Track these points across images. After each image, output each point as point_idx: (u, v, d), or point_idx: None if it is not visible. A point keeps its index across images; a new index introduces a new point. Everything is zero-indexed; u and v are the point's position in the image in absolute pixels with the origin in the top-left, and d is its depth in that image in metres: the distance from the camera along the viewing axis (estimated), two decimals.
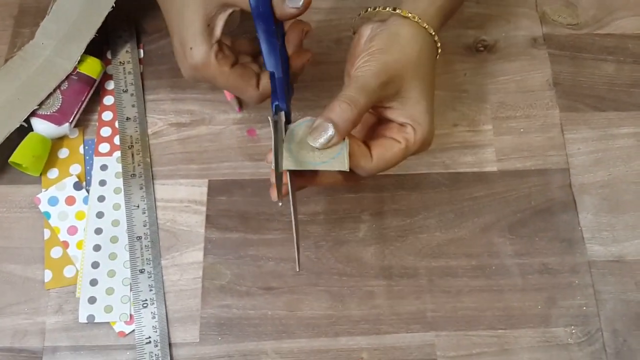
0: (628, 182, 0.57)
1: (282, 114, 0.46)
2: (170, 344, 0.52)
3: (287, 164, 0.43)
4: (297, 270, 0.45)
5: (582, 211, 0.56)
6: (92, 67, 0.58)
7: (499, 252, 0.55)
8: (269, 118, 0.45)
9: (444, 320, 0.53)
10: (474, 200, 0.56)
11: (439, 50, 0.49)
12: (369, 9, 0.50)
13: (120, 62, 0.60)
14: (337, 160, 0.43)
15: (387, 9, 0.48)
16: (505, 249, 0.55)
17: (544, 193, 0.57)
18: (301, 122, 0.45)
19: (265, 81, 0.50)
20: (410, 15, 0.47)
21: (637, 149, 0.58)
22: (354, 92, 0.43)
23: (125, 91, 0.59)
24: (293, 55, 0.49)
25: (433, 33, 0.47)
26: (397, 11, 0.47)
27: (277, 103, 0.48)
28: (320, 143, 0.43)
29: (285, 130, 0.45)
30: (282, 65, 0.48)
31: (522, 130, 0.59)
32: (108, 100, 0.59)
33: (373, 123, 0.49)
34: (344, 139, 0.43)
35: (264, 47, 0.47)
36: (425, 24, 0.47)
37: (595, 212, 0.56)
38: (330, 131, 0.42)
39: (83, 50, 0.58)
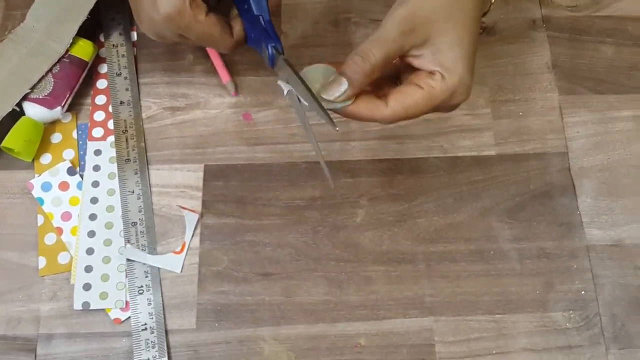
0: (627, 165, 0.57)
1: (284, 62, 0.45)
2: (166, 331, 0.51)
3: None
4: (332, 187, 0.49)
5: (581, 195, 0.56)
6: (84, 50, 0.57)
7: (497, 237, 0.55)
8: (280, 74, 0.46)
9: (442, 305, 0.52)
10: (472, 185, 0.56)
11: None
12: None
13: (113, 45, 0.59)
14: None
15: None
16: (504, 233, 0.55)
17: (543, 177, 0.56)
18: (315, 68, 0.45)
19: (238, 28, 0.49)
20: None
21: (637, 132, 0.58)
22: (369, 44, 0.42)
23: (119, 74, 0.58)
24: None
25: None
26: None
27: (273, 44, 0.47)
28: (334, 97, 0.43)
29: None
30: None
31: (520, 113, 0.58)
32: (101, 83, 0.58)
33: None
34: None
35: None
36: None
37: (594, 196, 0.56)
38: (344, 86, 0.42)
39: (75, 33, 0.56)
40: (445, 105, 0.44)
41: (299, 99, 0.44)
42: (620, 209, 0.56)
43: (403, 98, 0.43)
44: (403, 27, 0.42)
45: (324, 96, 0.43)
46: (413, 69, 0.45)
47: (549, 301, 0.53)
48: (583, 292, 0.53)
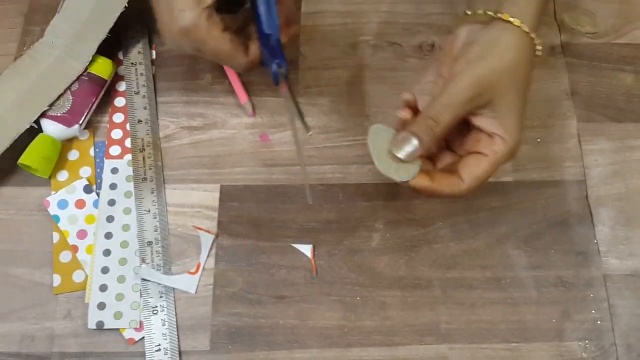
0: None
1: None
2: (180, 352, 0.51)
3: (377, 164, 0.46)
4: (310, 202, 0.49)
5: (598, 224, 0.56)
6: (103, 68, 0.57)
7: (514, 264, 0.55)
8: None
9: (458, 332, 0.52)
10: (489, 211, 0.56)
11: (538, 50, 0.48)
12: (468, 12, 0.49)
13: (132, 63, 0.59)
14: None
15: (489, 12, 0.47)
16: (520, 261, 0.55)
17: (560, 205, 0.56)
18: (382, 127, 0.47)
19: (254, 48, 0.50)
20: (512, 19, 0.46)
21: None
22: (441, 107, 0.44)
23: (137, 93, 0.58)
24: (282, 26, 0.48)
25: (533, 36, 0.47)
26: (499, 15, 0.46)
27: (278, 61, 0.47)
28: (405, 153, 0.45)
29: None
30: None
31: (539, 140, 0.59)
32: (119, 102, 0.59)
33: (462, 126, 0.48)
34: (422, 156, 0.45)
35: (262, 9, 0.47)
36: (527, 28, 0.46)
37: (612, 225, 0.56)
38: (415, 143, 0.44)
39: (94, 51, 0.57)
40: (504, 164, 0.47)
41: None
42: (638, 238, 0.55)
43: (474, 170, 0.46)
44: (473, 93, 0.44)
45: (395, 152, 0.45)
46: (462, 128, 0.47)
47: (565, 330, 0.53)
48: (599, 322, 0.53)
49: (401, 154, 0.45)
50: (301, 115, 0.49)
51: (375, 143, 0.46)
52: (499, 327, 0.53)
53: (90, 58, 0.57)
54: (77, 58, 0.57)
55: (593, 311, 0.53)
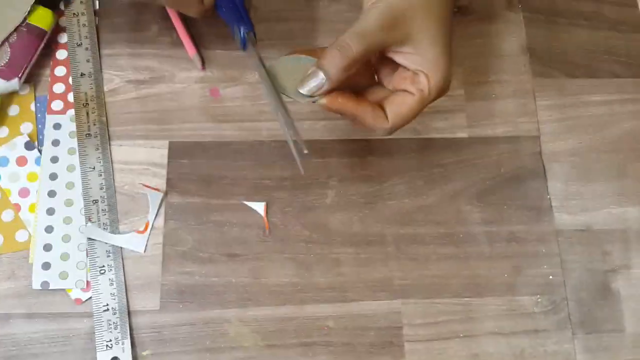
0: (598, 150, 0.58)
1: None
2: (129, 312, 0.51)
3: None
4: (302, 173, 0.47)
5: (551, 179, 0.57)
6: (43, 18, 0.55)
7: (467, 220, 0.55)
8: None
9: (411, 287, 0.53)
10: (443, 167, 0.56)
11: None
12: None
13: (74, 14, 0.57)
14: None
15: None
16: (474, 216, 0.55)
17: (514, 160, 0.57)
18: (294, 58, 0.45)
19: None
20: None
21: (609, 117, 0.59)
22: (348, 38, 0.43)
23: (80, 45, 0.56)
24: None
25: None
26: None
27: (247, 30, 0.47)
28: (311, 91, 0.43)
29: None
30: None
31: (494, 95, 0.59)
32: (61, 54, 0.57)
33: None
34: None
35: None
36: None
37: (565, 180, 0.57)
38: (321, 76, 0.43)
39: (33, 0, 0.55)
40: (433, 101, 0.45)
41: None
42: (590, 194, 0.57)
43: (398, 108, 0.44)
44: (383, 22, 0.43)
45: (300, 90, 0.43)
46: (392, 64, 0.46)
47: (517, 285, 0.54)
48: (551, 277, 0.54)
49: (305, 89, 0.43)
50: (277, 96, 0.46)
51: (281, 75, 0.45)
52: (451, 282, 0.53)
53: (29, 8, 0.55)
54: (15, 7, 0.55)
55: (545, 266, 0.54)
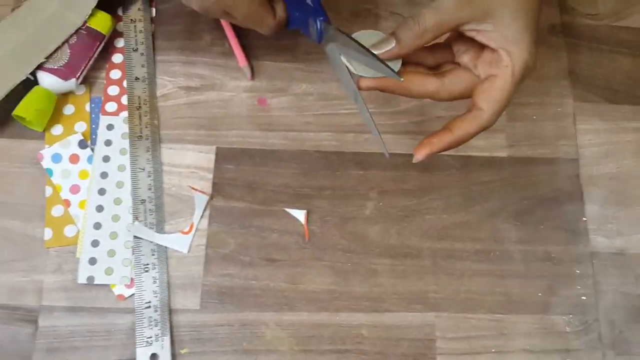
0: (636, 176, 0.59)
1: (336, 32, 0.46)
2: (170, 310, 0.53)
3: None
4: (387, 156, 0.48)
5: (588, 202, 0.58)
6: (102, 23, 0.58)
7: (504, 238, 0.57)
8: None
9: (445, 301, 0.54)
10: (482, 185, 0.58)
11: None
12: None
13: (131, 20, 0.60)
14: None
15: None
16: (510, 235, 0.57)
17: (552, 182, 0.58)
18: (367, 32, 0.46)
19: (280, 10, 0.51)
20: None
21: None
22: (424, 9, 0.44)
23: (136, 50, 0.59)
24: None
25: None
26: None
27: (322, 19, 0.48)
28: (380, 51, 0.44)
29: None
30: None
31: (534, 117, 0.60)
32: (117, 58, 0.59)
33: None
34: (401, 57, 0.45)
35: None
36: None
37: (602, 204, 0.58)
38: (392, 43, 0.44)
39: (94, 4, 0.57)
40: (523, 80, 0.45)
41: (349, 71, 0.46)
42: (626, 218, 0.58)
43: (489, 94, 0.45)
44: None
45: (371, 49, 0.44)
46: (475, 46, 0.46)
47: (550, 304, 0.55)
48: (584, 298, 0.55)
49: (376, 50, 0.44)
50: (373, 55, 0.45)
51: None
52: (485, 298, 0.55)
53: (90, 12, 0.58)
54: (76, 11, 0.58)
55: (578, 287, 0.55)
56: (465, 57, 0.47)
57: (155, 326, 0.52)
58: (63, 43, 0.57)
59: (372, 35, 0.46)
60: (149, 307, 0.53)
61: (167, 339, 0.52)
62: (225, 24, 0.60)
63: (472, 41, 0.46)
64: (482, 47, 0.45)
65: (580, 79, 0.62)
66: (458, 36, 0.47)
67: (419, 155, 0.46)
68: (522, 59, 0.44)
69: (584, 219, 0.57)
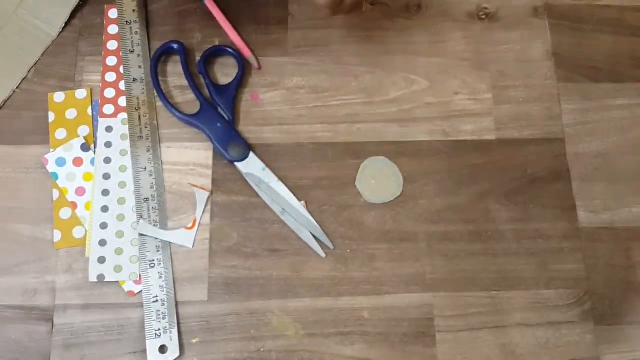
0: (621, 152, 0.63)
1: None
2: (177, 303, 0.57)
3: None
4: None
5: (575, 180, 0.62)
6: None
7: (495, 218, 0.61)
8: None
9: (442, 282, 0.59)
10: (472, 168, 0.62)
11: None
12: None
13: (127, 22, 0.63)
14: None
15: None
16: (501, 215, 0.61)
17: (540, 162, 0.63)
18: None
19: None
20: None
21: (631, 120, 0.65)
22: None
23: (132, 52, 0.63)
24: None
25: None
26: None
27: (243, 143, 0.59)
28: None
29: None
30: None
31: (520, 99, 0.65)
32: (111, 60, 0.63)
33: None
34: None
35: None
36: None
37: (589, 181, 0.62)
38: None
39: (67, 17, 0.62)
40: None
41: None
42: (612, 194, 0.62)
43: None
44: None
45: None
46: None
47: (543, 279, 0.60)
48: (575, 272, 0.60)
49: None
50: None
51: None
52: (480, 277, 0.59)
53: (63, 23, 0.62)
54: (45, 20, 0.62)
55: (569, 262, 0.60)
56: None
57: (163, 319, 0.57)
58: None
59: None
60: (157, 301, 0.57)
61: (175, 331, 0.56)
62: (223, 21, 0.64)
63: None
64: None
65: (564, 60, 0.66)
66: None
67: None
68: None
69: (572, 196, 0.62)
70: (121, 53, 0.63)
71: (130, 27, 0.63)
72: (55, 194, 0.59)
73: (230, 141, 0.60)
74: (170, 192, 0.60)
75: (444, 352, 0.57)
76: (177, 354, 0.56)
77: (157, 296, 0.57)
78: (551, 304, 0.59)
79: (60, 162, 0.60)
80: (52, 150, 0.60)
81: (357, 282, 0.59)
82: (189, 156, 0.61)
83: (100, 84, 0.63)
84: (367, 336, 0.57)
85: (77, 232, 0.59)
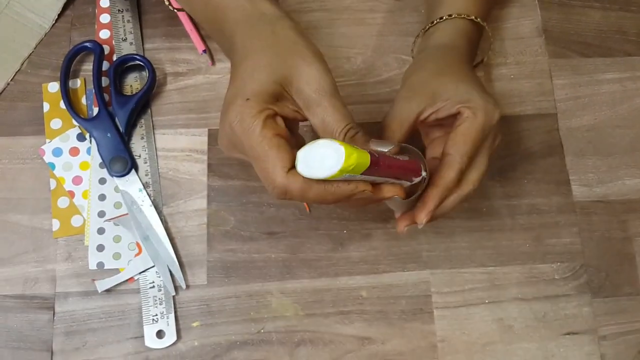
0: (613, 125, 0.65)
1: None
2: (175, 288, 0.59)
3: None
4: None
5: (568, 154, 0.64)
6: None
7: (490, 195, 0.63)
8: None
9: (438, 259, 0.61)
10: None
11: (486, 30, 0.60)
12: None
13: (119, 10, 0.65)
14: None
15: (427, 26, 0.59)
16: (496, 191, 0.63)
17: (533, 138, 0.65)
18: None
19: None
20: (445, 16, 0.57)
21: (622, 93, 0.67)
22: (383, 120, 0.53)
23: (125, 40, 0.65)
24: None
25: (474, 18, 0.58)
26: (431, 23, 0.59)
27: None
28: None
29: None
30: None
31: (512, 76, 0.67)
32: (104, 49, 0.65)
33: None
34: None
35: None
36: (463, 14, 0.57)
37: (581, 155, 0.64)
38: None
39: (60, 9, 0.64)
40: (490, 127, 0.51)
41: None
42: (605, 167, 0.64)
43: (455, 140, 0.50)
44: (405, 94, 0.53)
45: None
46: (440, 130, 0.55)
47: (538, 254, 0.62)
48: (570, 246, 0.62)
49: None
50: None
51: None
52: (476, 253, 0.61)
53: (56, 15, 0.64)
54: (36, 12, 0.64)
55: (564, 236, 0.62)
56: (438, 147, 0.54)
57: (160, 304, 0.58)
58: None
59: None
60: (153, 287, 0.59)
61: (172, 316, 0.58)
62: (181, 15, 0.66)
63: (439, 127, 0.54)
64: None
65: (554, 36, 0.68)
66: (426, 135, 0.56)
67: (422, 218, 0.51)
68: (479, 105, 0.51)
69: (565, 170, 0.64)
70: (113, 41, 0.64)
71: (122, 16, 0.65)
72: (53, 184, 0.61)
73: (115, 154, 0.61)
74: (165, 178, 0.62)
75: (442, 328, 0.59)
76: (175, 339, 0.58)
77: (153, 282, 0.59)
78: (547, 277, 0.61)
79: (57, 152, 0.62)
80: (48, 140, 0.62)
81: (354, 262, 0.61)
82: (184, 142, 0.63)
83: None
84: (366, 314, 0.59)
85: (76, 221, 0.60)
